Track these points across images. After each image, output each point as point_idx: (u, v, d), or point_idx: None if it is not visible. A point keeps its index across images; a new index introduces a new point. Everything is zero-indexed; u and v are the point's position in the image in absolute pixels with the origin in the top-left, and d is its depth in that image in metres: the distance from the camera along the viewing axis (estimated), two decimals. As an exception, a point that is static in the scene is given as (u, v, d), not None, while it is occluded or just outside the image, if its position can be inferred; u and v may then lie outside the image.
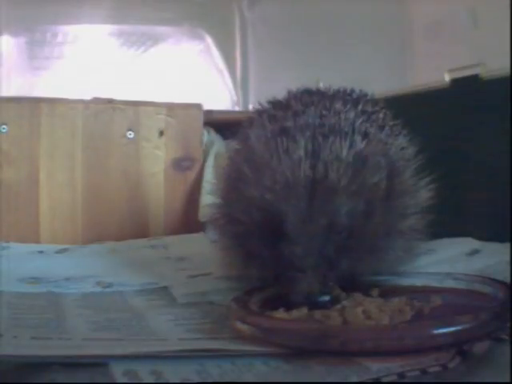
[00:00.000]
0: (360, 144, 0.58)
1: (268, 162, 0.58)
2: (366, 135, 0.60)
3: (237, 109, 1.61)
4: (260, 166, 0.59)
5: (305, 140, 0.58)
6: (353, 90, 0.72)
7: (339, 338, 0.46)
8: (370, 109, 0.67)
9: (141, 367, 0.45)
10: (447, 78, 0.98)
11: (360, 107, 0.66)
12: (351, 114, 0.64)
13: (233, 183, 0.63)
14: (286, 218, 0.56)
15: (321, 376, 0.44)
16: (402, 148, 0.65)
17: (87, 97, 1.29)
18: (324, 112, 0.63)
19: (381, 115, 0.67)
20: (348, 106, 0.65)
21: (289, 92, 0.73)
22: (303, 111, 0.63)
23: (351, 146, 0.58)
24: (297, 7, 1.37)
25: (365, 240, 0.59)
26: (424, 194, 0.65)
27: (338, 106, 0.65)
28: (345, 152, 0.57)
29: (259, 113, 0.73)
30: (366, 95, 0.72)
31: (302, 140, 0.58)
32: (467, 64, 0.95)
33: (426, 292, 0.60)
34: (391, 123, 0.67)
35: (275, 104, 0.72)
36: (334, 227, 0.56)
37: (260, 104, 0.75)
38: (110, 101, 1.29)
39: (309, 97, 0.68)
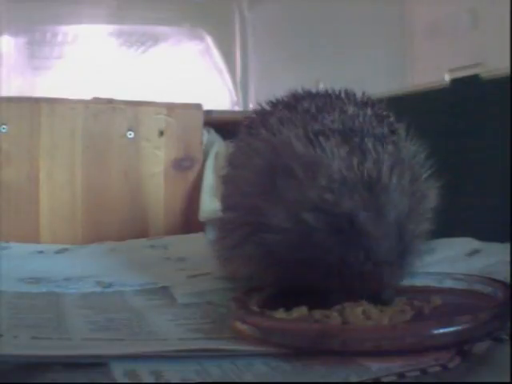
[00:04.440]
0: (391, 148, 0.58)
1: (315, 159, 0.56)
2: (383, 139, 0.59)
3: (237, 109, 1.61)
4: (307, 165, 0.56)
5: (341, 141, 0.57)
6: (353, 92, 0.71)
7: (339, 338, 0.46)
8: (380, 112, 0.66)
9: (141, 367, 0.45)
10: (447, 78, 0.98)
11: (369, 111, 0.65)
12: (366, 118, 0.63)
13: (258, 189, 0.60)
14: (356, 214, 0.54)
15: (321, 376, 0.44)
16: (415, 155, 0.64)
17: (87, 97, 1.29)
18: (342, 116, 0.62)
19: (391, 119, 0.66)
20: (363, 110, 0.64)
21: (293, 94, 0.72)
22: (320, 114, 0.62)
23: (386, 149, 0.57)
24: (297, 7, 1.37)
25: (411, 239, 0.58)
26: (435, 199, 0.64)
27: (352, 108, 0.64)
28: (383, 153, 0.57)
29: (263, 114, 0.72)
30: (369, 98, 0.71)
31: (339, 139, 0.57)
32: (467, 64, 0.95)
33: (426, 292, 0.60)
34: (402, 127, 0.67)
35: (282, 105, 0.70)
36: (397, 222, 0.56)
37: (260, 105, 0.74)
38: (110, 101, 1.29)
39: (315, 99, 0.67)
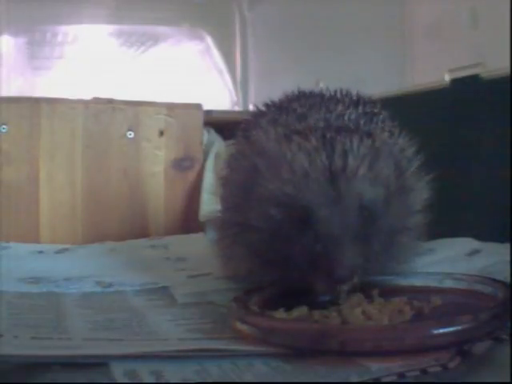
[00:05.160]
0: (368, 141, 0.59)
1: (283, 156, 0.58)
2: (370, 135, 0.61)
3: (237, 109, 1.61)
4: (274, 163, 0.59)
5: (315, 137, 0.58)
6: (349, 92, 0.72)
7: (339, 338, 0.46)
8: (370, 110, 0.68)
9: (141, 367, 0.45)
10: (447, 78, 0.98)
11: (361, 109, 0.67)
12: (353, 116, 0.64)
13: (243, 190, 0.63)
14: (312, 206, 0.56)
15: (321, 376, 0.44)
16: (403, 149, 0.65)
17: (87, 97, 1.30)
18: (327, 115, 0.64)
19: (381, 117, 0.68)
20: (350, 108, 0.66)
21: (286, 95, 0.73)
22: (306, 114, 0.64)
23: (361, 142, 0.59)
24: (297, 7, 1.37)
25: (383, 233, 0.59)
26: (425, 192, 0.65)
27: (340, 108, 0.66)
28: (356, 146, 0.58)
29: (257, 115, 0.73)
30: (363, 97, 0.72)
31: (312, 137, 0.58)
32: (467, 64, 0.95)
33: (425, 292, 0.60)
34: (391, 124, 0.68)
35: (275, 107, 0.72)
36: (360, 211, 0.56)
37: (257, 106, 0.75)
38: (110, 101, 1.29)
39: (308, 99, 0.69)
